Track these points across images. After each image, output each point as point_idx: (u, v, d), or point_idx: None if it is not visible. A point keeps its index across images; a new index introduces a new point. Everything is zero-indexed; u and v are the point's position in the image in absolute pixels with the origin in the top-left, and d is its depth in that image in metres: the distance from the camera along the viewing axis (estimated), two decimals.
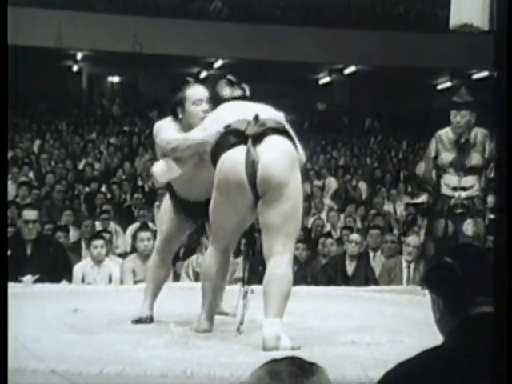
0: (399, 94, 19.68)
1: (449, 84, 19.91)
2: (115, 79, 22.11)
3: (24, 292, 5.45)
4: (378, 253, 7.81)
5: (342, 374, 3.31)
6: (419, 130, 17.81)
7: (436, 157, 5.92)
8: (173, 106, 4.47)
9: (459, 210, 5.69)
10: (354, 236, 7.27)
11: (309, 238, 8.87)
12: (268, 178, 3.93)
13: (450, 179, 5.79)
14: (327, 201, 11.28)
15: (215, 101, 4.32)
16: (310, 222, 10.07)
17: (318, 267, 7.39)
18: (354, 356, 3.72)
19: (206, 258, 4.27)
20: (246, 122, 4.03)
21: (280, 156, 3.97)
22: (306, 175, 13.12)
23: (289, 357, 1.79)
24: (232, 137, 4.02)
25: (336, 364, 3.47)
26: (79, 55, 18.76)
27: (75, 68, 20.23)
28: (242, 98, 4.33)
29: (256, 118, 4.03)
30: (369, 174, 13.78)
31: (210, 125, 4.15)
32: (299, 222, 4.12)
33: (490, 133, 5.80)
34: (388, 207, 11.22)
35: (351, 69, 19.03)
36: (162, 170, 4.38)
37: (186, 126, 4.38)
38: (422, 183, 6.48)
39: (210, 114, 4.28)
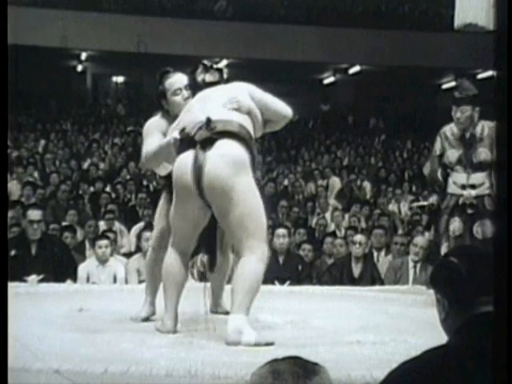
0: (404, 93, 19.65)
1: (453, 83, 19.86)
2: (120, 79, 22.10)
3: (29, 292, 5.46)
4: (382, 253, 7.79)
5: (346, 373, 3.31)
6: (424, 129, 17.78)
7: (442, 155, 5.68)
8: (157, 100, 4.51)
9: (470, 211, 5.51)
10: (358, 237, 7.19)
11: (313, 237, 8.87)
12: (211, 185, 3.96)
13: (458, 177, 5.55)
14: (332, 201, 11.28)
15: (194, 87, 4.33)
16: (314, 222, 10.08)
17: (323, 267, 7.36)
18: (359, 355, 3.71)
19: (166, 260, 4.27)
20: (198, 125, 4.03)
21: (222, 162, 3.96)
22: (310, 175, 13.14)
23: (291, 356, 1.79)
24: (184, 141, 4.06)
25: (341, 363, 3.48)
26: (84, 55, 18.76)
27: (80, 68, 20.23)
28: (217, 82, 4.32)
29: (208, 121, 4.03)
30: (373, 173, 13.77)
31: (178, 124, 4.20)
32: (260, 221, 4.03)
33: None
34: (393, 207, 11.20)
35: (356, 68, 19.00)
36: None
37: (174, 117, 4.37)
38: (428, 183, 6.33)
39: (186, 106, 4.28)
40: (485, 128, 5.49)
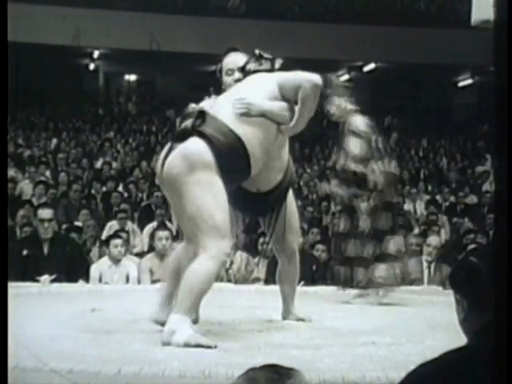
0: (419, 91, 19.56)
1: (470, 81, 19.77)
2: (132, 77, 22.12)
3: (41, 292, 5.49)
4: None
5: (361, 374, 3.29)
6: (440, 127, 17.71)
7: None
8: (217, 77, 4.51)
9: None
10: None
11: (326, 237, 8.82)
12: (166, 178, 3.95)
13: None
14: None
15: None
16: (327, 221, 10.03)
17: None
18: (374, 356, 3.69)
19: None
20: (191, 113, 4.02)
21: (179, 157, 3.89)
22: (323, 174, 13.08)
23: (267, 364, 1.85)
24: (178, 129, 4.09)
25: (356, 365, 3.47)
26: (96, 53, 18.77)
27: (92, 66, 20.25)
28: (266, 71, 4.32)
29: (198, 114, 3.99)
30: None
31: None
32: (213, 220, 3.88)
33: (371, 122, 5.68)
34: (408, 206, 11.13)
35: (370, 66, 18.93)
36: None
37: None
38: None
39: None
40: (362, 123, 5.72)
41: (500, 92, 1.54)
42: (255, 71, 4.30)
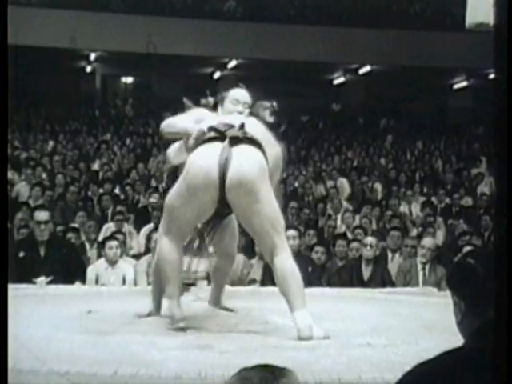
0: (415, 93, 19.58)
1: (465, 83, 19.80)
2: (129, 80, 22.10)
3: (38, 293, 5.46)
4: (397, 255, 7.74)
5: (357, 376, 3.31)
6: (435, 130, 17.73)
7: None
8: (215, 103, 4.65)
9: None
10: (369, 239, 7.07)
11: (322, 239, 8.83)
12: (238, 182, 4.09)
13: None
14: (343, 202, 11.22)
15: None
16: (322, 223, 10.03)
17: (333, 269, 7.29)
18: (370, 358, 3.69)
19: (164, 249, 4.31)
20: (229, 125, 4.23)
21: (250, 163, 4.14)
22: (319, 176, 13.09)
23: (259, 364, 1.86)
24: (211, 134, 4.21)
25: (352, 366, 3.48)
26: (92, 56, 18.74)
27: (88, 69, 20.22)
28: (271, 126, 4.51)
29: (242, 125, 4.24)
30: (384, 174, 13.72)
31: (205, 121, 4.33)
32: (282, 223, 4.28)
33: None
34: (404, 208, 11.14)
35: (366, 69, 18.94)
36: (174, 151, 4.57)
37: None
38: None
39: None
40: None
41: (501, 94, 1.55)
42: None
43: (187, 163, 4.22)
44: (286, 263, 4.18)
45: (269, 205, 4.15)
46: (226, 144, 4.15)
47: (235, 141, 4.17)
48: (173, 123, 4.46)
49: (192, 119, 4.40)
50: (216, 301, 4.86)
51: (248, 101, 4.60)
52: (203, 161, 4.14)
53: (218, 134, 4.20)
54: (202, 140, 4.22)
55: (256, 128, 4.35)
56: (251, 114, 4.53)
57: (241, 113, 4.52)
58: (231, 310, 4.77)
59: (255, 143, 4.21)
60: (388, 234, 8.00)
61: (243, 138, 4.19)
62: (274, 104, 4.60)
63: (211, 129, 4.23)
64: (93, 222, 8.37)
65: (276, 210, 4.19)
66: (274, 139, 4.45)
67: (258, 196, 4.10)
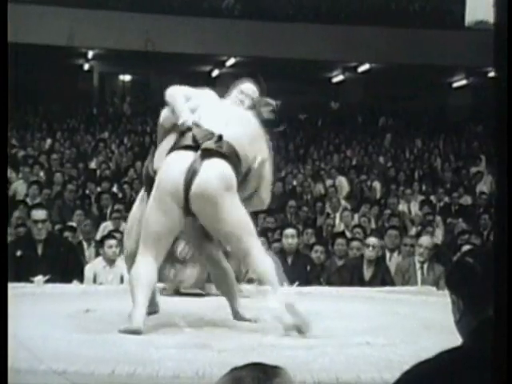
0: (414, 92, 19.56)
1: (465, 82, 19.78)
2: (127, 78, 22.09)
3: (35, 292, 5.45)
4: (395, 254, 7.71)
5: (356, 375, 3.31)
6: (434, 128, 17.71)
7: None
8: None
9: None
10: (371, 240, 6.92)
11: (321, 238, 8.81)
12: (200, 193, 4.20)
13: None
14: (341, 201, 11.20)
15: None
16: (321, 222, 10.01)
17: (332, 268, 7.25)
18: (369, 357, 3.69)
19: (136, 269, 4.32)
20: (208, 135, 4.32)
21: (215, 176, 4.24)
22: (318, 175, 13.07)
23: (251, 363, 1.83)
24: (185, 141, 4.33)
25: (350, 365, 3.49)
26: (90, 53, 18.71)
27: (86, 66, 20.20)
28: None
29: (219, 137, 4.31)
30: (383, 173, 13.70)
31: (196, 111, 4.44)
32: (250, 226, 4.39)
33: None
34: (403, 207, 11.12)
35: (365, 67, 18.93)
36: (165, 114, 4.59)
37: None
38: None
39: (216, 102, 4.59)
40: None
41: (500, 93, 1.53)
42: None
43: (159, 172, 4.34)
44: (267, 259, 4.33)
45: (234, 212, 4.25)
46: (196, 156, 4.26)
47: (208, 153, 4.28)
48: (175, 99, 4.51)
49: (189, 105, 4.48)
50: (234, 313, 4.75)
51: (251, 94, 4.67)
52: (172, 170, 4.26)
53: (192, 143, 4.31)
54: (177, 145, 4.35)
55: (244, 125, 4.46)
56: (251, 107, 4.60)
57: (242, 102, 4.61)
58: (250, 320, 4.65)
59: (226, 156, 4.29)
60: (386, 232, 7.97)
61: (216, 152, 4.28)
62: (278, 103, 4.69)
63: (189, 131, 4.33)
64: (89, 221, 8.34)
65: (243, 215, 4.29)
66: (263, 136, 4.55)
67: (221, 206, 4.21)
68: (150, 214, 4.31)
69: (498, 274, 1.56)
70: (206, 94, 4.64)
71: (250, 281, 6.26)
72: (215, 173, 4.24)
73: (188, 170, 4.22)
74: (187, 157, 4.27)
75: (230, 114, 4.53)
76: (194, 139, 4.32)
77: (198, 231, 4.65)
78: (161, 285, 5.47)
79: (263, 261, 4.31)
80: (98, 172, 12.37)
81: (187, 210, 4.26)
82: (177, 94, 4.53)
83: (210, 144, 4.29)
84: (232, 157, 4.31)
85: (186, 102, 4.49)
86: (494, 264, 1.59)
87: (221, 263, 4.79)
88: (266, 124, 4.61)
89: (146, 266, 4.30)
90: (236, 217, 4.25)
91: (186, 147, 4.32)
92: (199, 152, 4.27)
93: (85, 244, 7.78)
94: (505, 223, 1.52)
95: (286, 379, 1.79)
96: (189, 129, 4.36)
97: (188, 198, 4.22)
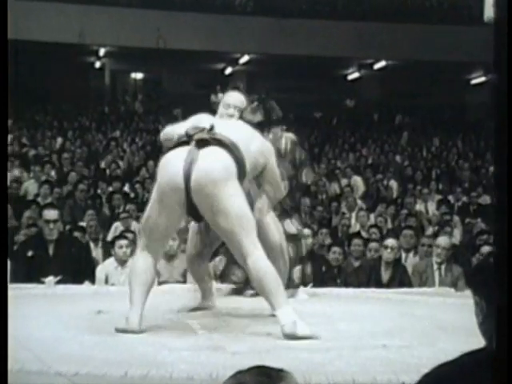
0: (431, 89, 19.47)
1: (483, 79, 19.62)
2: (138, 76, 22.07)
3: (46, 293, 5.43)
4: (411, 254, 7.63)
5: (372, 377, 3.28)
6: (452, 126, 17.61)
7: None
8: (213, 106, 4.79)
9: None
10: (390, 241, 6.80)
11: (336, 238, 8.74)
12: (201, 183, 4.12)
13: None
14: (357, 200, 11.13)
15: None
16: (336, 222, 9.95)
17: (348, 269, 7.16)
18: (385, 359, 3.64)
19: (136, 264, 4.34)
20: (199, 128, 4.30)
21: (214, 165, 4.17)
22: (332, 174, 13.01)
23: (255, 366, 1.79)
24: (181, 138, 4.32)
25: (366, 368, 3.45)
26: (102, 51, 18.71)
27: (98, 64, 20.21)
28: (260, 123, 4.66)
29: (211, 127, 4.30)
30: (399, 172, 13.62)
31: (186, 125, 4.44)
32: (253, 222, 4.24)
33: (297, 139, 5.76)
34: (420, 206, 11.04)
35: (381, 63, 18.87)
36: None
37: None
38: None
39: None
40: (288, 143, 5.65)
41: (500, 91, 1.53)
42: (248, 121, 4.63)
43: (158, 170, 4.33)
44: (259, 263, 4.12)
45: (235, 205, 4.13)
46: (191, 147, 4.22)
47: (202, 143, 4.23)
48: (168, 131, 4.59)
49: (186, 126, 4.46)
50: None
51: (239, 104, 4.68)
52: (170, 166, 4.22)
53: (187, 138, 4.28)
54: (172, 145, 4.34)
55: (239, 130, 4.43)
56: (241, 117, 4.63)
57: (232, 116, 4.62)
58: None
59: (224, 144, 4.24)
60: (401, 233, 7.88)
61: (211, 140, 4.24)
62: (255, 101, 4.69)
63: (183, 132, 4.33)
64: (96, 222, 8.29)
65: (244, 210, 4.17)
66: (260, 136, 4.51)
67: (222, 196, 4.12)
68: (151, 211, 4.29)
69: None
70: (196, 117, 4.58)
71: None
72: (214, 160, 4.18)
73: (185, 161, 4.16)
74: (183, 151, 4.24)
75: (221, 120, 4.53)
76: (188, 135, 4.29)
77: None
78: (231, 285, 5.52)
79: (261, 266, 4.13)
80: (108, 171, 12.33)
81: (189, 204, 4.19)
82: (169, 128, 4.61)
83: (203, 134, 4.26)
84: (228, 145, 4.25)
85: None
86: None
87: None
88: (257, 126, 4.61)
89: (145, 262, 4.29)
90: (236, 209, 4.13)
91: (181, 144, 4.30)
92: (193, 142, 4.24)
93: (92, 244, 7.73)
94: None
95: (292, 383, 1.76)
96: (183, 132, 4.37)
97: (189, 189, 4.14)
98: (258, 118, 4.66)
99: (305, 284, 5.82)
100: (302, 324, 4.00)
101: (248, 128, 4.50)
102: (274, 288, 4.08)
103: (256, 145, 4.41)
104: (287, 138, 5.66)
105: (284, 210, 5.51)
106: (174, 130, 4.50)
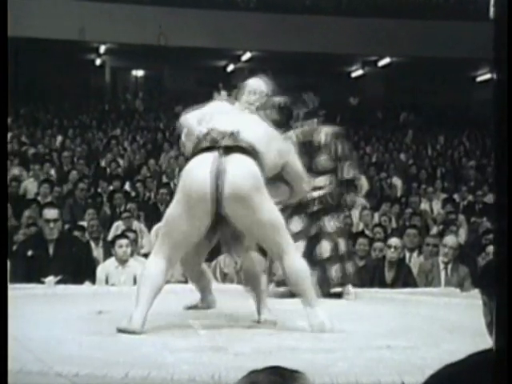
0: (436, 86, 19.43)
1: (489, 76, 19.52)
2: (139, 73, 22.05)
3: (46, 293, 5.42)
4: (415, 254, 7.58)
5: (377, 378, 3.28)
6: (458, 124, 17.55)
7: None
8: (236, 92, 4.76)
9: (315, 208, 5.69)
10: (393, 240, 6.78)
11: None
12: (235, 192, 4.17)
13: None
14: (360, 199, 11.04)
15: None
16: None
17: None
18: (389, 360, 3.64)
19: (148, 269, 4.33)
20: (222, 133, 4.32)
21: (246, 173, 4.24)
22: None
23: (269, 366, 1.78)
24: (205, 143, 4.32)
25: (370, 368, 3.46)
26: (102, 48, 18.69)
27: (98, 61, 20.20)
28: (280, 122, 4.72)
29: (236, 133, 4.32)
30: (404, 170, 13.56)
31: (208, 119, 4.44)
32: (285, 225, 4.43)
33: (340, 131, 5.77)
34: (424, 205, 10.98)
35: (385, 60, 18.84)
36: (183, 137, 4.63)
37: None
38: None
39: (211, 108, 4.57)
40: (325, 135, 5.68)
41: (500, 89, 1.54)
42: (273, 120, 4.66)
43: (182, 174, 4.36)
44: (295, 263, 4.34)
45: (268, 212, 4.25)
46: (217, 155, 4.24)
47: (228, 150, 4.27)
48: (189, 122, 4.54)
49: (197, 118, 4.49)
50: (258, 312, 4.63)
51: (264, 90, 4.67)
52: (196, 172, 4.23)
53: (211, 144, 4.29)
54: (196, 149, 4.34)
55: (257, 127, 4.45)
56: (259, 108, 4.61)
57: (252, 104, 4.60)
58: (270, 322, 4.53)
59: (248, 151, 4.29)
60: (405, 232, 7.83)
61: (235, 147, 4.28)
62: (283, 101, 4.75)
63: (206, 135, 4.33)
64: (97, 221, 8.24)
65: (276, 214, 4.32)
66: (279, 135, 4.57)
67: (255, 207, 4.21)
68: (173, 217, 4.28)
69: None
70: (216, 106, 4.64)
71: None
72: (244, 171, 4.24)
73: (213, 170, 4.18)
74: (208, 158, 4.25)
75: (241, 119, 4.52)
76: (213, 140, 4.30)
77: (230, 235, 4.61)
78: (281, 289, 5.48)
79: (298, 265, 4.34)
80: (109, 170, 12.28)
81: (215, 214, 4.21)
82: (189, 118, 4.55)
83: (229, 141, 4.28)
84: (253, 152, 4.30)
85: (199, 126, 4.48)
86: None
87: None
88: (276, 124, 4.61)
89: (157, 267, 4.27)
90: (268, 215, 4.26)
91: (206, 149, 4.30)
92: (220, 150, 4.26)
93: (92, 244, 7.69)
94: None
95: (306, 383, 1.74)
96: (206, 134, 4.35)
97: (219, 200, 4.17)
98: (277, 116, 4.68)
99: (344, 284, 5.75)
100: (331, 322, 4.25)
101: (267, 128, 4.52)
102: (308, 286, 4.31)
103: (275, 146, 4.47)
104: (326, 130, 5.65)
105: (323, 208, 5.60)
106: (193, 124, 4.47)
